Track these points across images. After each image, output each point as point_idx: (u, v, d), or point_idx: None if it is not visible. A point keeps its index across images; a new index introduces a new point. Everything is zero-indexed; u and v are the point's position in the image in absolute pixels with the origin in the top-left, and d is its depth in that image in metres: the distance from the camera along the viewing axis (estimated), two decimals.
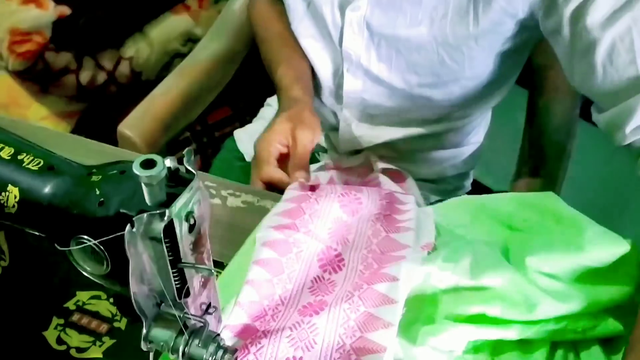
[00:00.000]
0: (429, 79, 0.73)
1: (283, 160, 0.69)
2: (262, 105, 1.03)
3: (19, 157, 0.42)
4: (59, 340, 0.54)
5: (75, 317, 0.56)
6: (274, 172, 0.67)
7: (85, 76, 1.35)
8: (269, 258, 0.57)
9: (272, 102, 1.00)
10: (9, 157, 0.42)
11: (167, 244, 0.37)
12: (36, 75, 1.31)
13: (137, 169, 0.34)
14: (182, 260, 0.38)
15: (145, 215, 0.35)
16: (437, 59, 0.70)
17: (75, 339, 0.54)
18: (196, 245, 0.40)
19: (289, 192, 0.62)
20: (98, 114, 1.45)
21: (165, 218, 0.35)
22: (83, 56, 1.33)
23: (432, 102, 0.76)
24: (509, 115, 1.12)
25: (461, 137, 0.87)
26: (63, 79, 1.34)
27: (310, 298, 0.53)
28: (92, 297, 0.57)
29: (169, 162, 0.36)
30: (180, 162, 0.38)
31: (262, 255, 0.57)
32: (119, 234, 0.35)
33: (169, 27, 1.43)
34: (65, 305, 0.57)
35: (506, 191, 0.92)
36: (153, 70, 1.43)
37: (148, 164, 0.35)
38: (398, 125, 0.82)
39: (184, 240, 0.38)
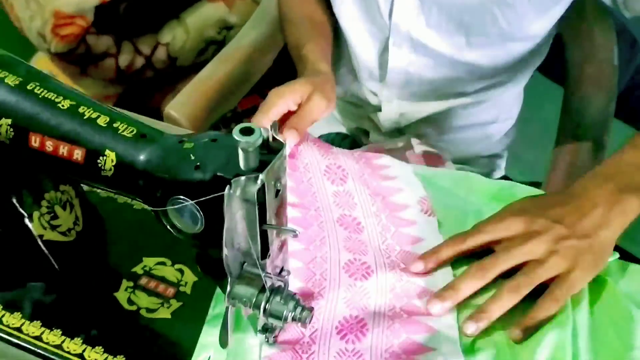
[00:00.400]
0: (478, 40, 0.76)
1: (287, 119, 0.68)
2: None
3: (114, 125, 0.45)
4: (130, 301, 0.58)
5: (143, 281, 0.59)
6: (264, 124, 0.65)
7: (123, 60, 1.38)
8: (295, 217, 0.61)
9: None
10: (106, 125, 0.45)
11: (258, 207, 0.40)
12: (77, 58, 1.35)
13: (237, 135, 0.38)
14: (268, 222, 0.42)
15: (242, 178, 0.39)
16: (490, 18, 0.73)
17: (144, 300, 0.58)
18: (279, 210, 0.43)
19: None
20: (134, 97, 1.48)
21: (259, 182, 0.39)
22: (122, 41, 1.37)
23: (475, 68, 0.80)
24: (538, 109, 1.15)
25: (497, 111, 0.90)
26: (102, 62, 1.38)
27: (349, 255, 0.58)
28: (158, 263, 0.61)
29: (264, 132, 0.40)
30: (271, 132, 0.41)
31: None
32: (218, 194, 0.39)
33: (205, 14, 1.46)
34: (133, 270, 0.60)
35: (538, 183, 0.95)
36: (188, 56, 1.47)
37: (246, 131, 0.38)
38: (440, 99, 0.86)
39: (271, 204, 0.41)
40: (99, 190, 0.68)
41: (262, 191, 0.40)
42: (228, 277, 0.43)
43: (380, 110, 0.89)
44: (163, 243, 0.62)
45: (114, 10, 1.34)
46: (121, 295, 0.58)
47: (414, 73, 0.83)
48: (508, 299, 0.53)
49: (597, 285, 0.57)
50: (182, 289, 0.59)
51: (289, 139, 0.64)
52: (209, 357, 0.52)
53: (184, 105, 0.98)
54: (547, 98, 1.12)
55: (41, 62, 1.53)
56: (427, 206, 0.64)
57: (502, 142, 0.96)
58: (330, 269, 0.57)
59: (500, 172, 0.99)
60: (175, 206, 0.41)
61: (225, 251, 0.41)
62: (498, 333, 0.54)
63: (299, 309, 0.44)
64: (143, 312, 0.57)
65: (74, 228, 0.60)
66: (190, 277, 0.60)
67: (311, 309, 0.45)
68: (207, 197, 0.39)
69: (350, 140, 0.98)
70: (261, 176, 0.39)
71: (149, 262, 0.61)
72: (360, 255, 0.58)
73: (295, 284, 0.56)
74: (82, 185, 0.66)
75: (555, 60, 0.99)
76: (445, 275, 0.57)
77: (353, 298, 0.55)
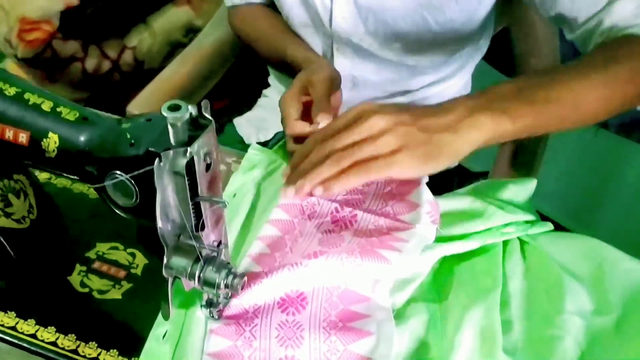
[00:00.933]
0: (414, 44, 0.80)
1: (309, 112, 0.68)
2: (260, 96, 1.09)
3: (58, 110, 0.48)
4: (82, 284, 0.60)
5: (96, 265, 0.62)
6: (295, 126, 0.66)
7: (90, 64, 1.40)
8: (281, 219, 0.63)
9: (268, 93, 1.06)
10: (49, 110, 0.48)
11: (188, 179, 0.44)
12: (44, 63, 1.37)
13: (164, 111, 0.41)
14: (200, 195, 0.45)
15: (171, 151, 0.42)
16: (422, 22, 0.77)
17: (96, 282, 0.61)
18: (211, 184, 0.46)
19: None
20: (102, 101, 1.50)
21: (187, 154, 0.42)
22: (89, 45, 1.39)
23: (417, 69, 0.84)
24: None
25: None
26: (70, 67, 1.40)
27: (317, 247, 0.59)
28: (111, 248, 0.64)
29: (190, 108, 0.43)
30: (199, 111, 0.45)
31: (275, 216, 0.63)
32: (149, 168, 0.42)
33: (171, 18, 1.49)
34: (86, 255, 0.63)
35: (487, 173, 0.99)
36: (155, 59, 1.49)
37: (174, 108, 0.41)
38: (387, 98, 0.89)
39: (202, 177, 0.44)
40: (55, 182, 0.71)
41: (192, 165, 0.43)
42: (165, 251, 0.46)
43: None
44: (116, 229, 0.65)
45: (80, 15, 1.37)
46: (74, 279, 0.61)
47: (359, 76, 0.86)
48: (328, 167, 0.54)
49: (531, 255, 0.61)
50: (133, 271, 0.62)
51: (322, 121, 0.63)
52: (166, 331, 0.55)
53: (145, 104, 1.01)
54: None
55: (10, 68, 1.55)
56: (435, 210, 0.61)
57: None
58: (291, 257, 0.59)
59: (454, 164, 1.03)
60: (112, 181, 0.44)
61: (159, 224, 0.44)
62: (431, 298, 0.58)
63: (230, 277, 0.47)
64: (95, 293, 0.60)
65: (28, 216, 0.62)
66: (141, 259, 0.63)
67: (242, 276, 0.48)
68: (139, 171, 0.42)
69: None
70: (189, 149, 0.42)
71: (102, 247, 0.64)
72: (328, 248, 0.59)
73: (253, 267, 0.58)
74: (37, 175, 0.69)
75: (504, 53, 1.04)
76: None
77: (296, 274, 0.57)
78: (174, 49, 1.50)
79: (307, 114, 0.67)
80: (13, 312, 0.58)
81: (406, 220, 0.61)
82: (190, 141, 0.43)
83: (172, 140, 0.43)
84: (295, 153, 0.61)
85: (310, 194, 0.55)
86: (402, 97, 0.89)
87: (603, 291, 0.58)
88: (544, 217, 0.66)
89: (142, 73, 1.48)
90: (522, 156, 0.94)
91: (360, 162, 0.54)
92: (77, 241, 0.64)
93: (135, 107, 1.00)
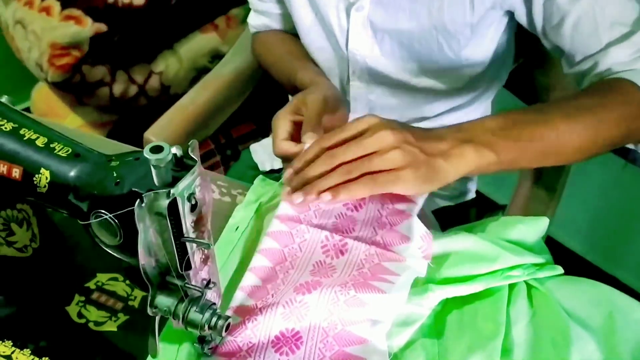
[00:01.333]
0: (430, 66, 0.79)
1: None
2: None
3: (51, 145, 0.49)
4: (79, 315, 0.61)
5: (94, 295, 0.62)
6: (282, 145, 0.68)
7: (118, 88, 1.44)
8: (272, 248, 0.62)
9: None
10: (43, 145, 0.49)
11: (172, 220, 0.43)
12: (73, 87, 1.41)
13: (147, 153, 0.41)
14: (185, 236, 0.45)
15: (152, 193, 0.42)
16: (437, 46, 0.76)
17: (93, 314, 0.61)
18: (197, 224, 0.46)
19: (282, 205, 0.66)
20: (129, 124, 1.54)
21: (170, 195, 0.42)
22: (117, 70, 1.43)
23: (433, 93, 0.83)
24: None
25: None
26: (97, 91, 1.44)
27: (309, 278, 0.58)
28: (111, 279, 0.64)
29: (175, 150, 0.43)
30: (185, 152, 0.45)
31: (265, 245, 0.62)
32: (130, 208, 0.42)
33: (198, 44, 1.52)
34: (86, 285, 0.63)
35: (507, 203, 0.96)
36: (181, 84, 1.52)
37: (157, 149, 0.41)
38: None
39: (186, 217, 0.44)
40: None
41: (175, 205, 0.43)
42: (149, 289, 0.46)
43: None
44: (117, 260, 0.65)
45: (109, 41, 1.41)
46: (72, 309, 0.61)
47: (375, 101, 0.86)
48: (338, 176, 0.58)
49: (538, 300, 0.59)
50: (130, 302, 0.62)
51: (309, 140, 0.65)
52: None
53: (163, 130, 1.02)
54: None
55: (42, 91, 1.60)
56: (428, 244, 0.61)
57: None
58: (284, 290, 0.58)
59: (471, 195, 1.01)
60: (96, 220, 0.44)
61: (142, 262, 0.44)
62: (430, 343, 0.56)
63: (214, 318, 0.47)
64: (91, 324, 0.60)
65: (30, 245, 0.63)
66: (139, 292, 0.63)
67: (227, 318, 0.47)
68: (121, 211, 0.42)
69: None
70: (172, 190, 0.42)
71: (102, 277, 0.64)
72: (320, 278, 0.59)
73: (246, 302, 0.58)
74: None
75: (526, 82, 1.02)
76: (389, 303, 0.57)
77: (292, 312, 0.56)
78: (199, 74, 1.52)
79: (298, 134, 0.69)
80: (10, 342, 0.58)
81: (397, 252, 0.60)
82: (174, 182, 0.43)
83: (155, 181, 0.42)
84: (297, 158, 0.62)
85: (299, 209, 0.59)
86: (419, 123, 0.88)
87: (613, 342, 0.55)
88: (567, 251, 0.63)
89: (168, 98, 1.51)
90: (541, 191, 0.91)
91: (368, 174, 0.58)
92: (79, 271, 0.65)
93: (152, 134, 1.01)
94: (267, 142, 1.06)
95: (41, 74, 1.41)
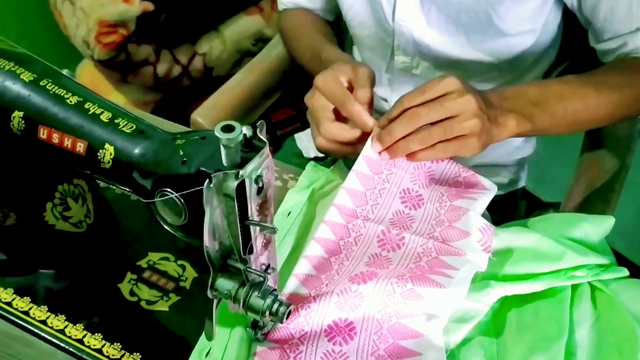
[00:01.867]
0: (477, 38, 0.77)
1: (340, 115, 0.67)
2: None
3: (116, 121, 0.48)
4: (132, 293, 0.60)
5: (146, 274, 0.62)
6: (332, 128, 0.65)
7: (161, 68, 1.44)
8: (327, 239, 0.61)
9: None
10: (108, 120, 0.48)
11: (238, 202, 0.42)
12: (118, 65, 1.41)
13: (218, 132, 0.40)
14: (250, 219, 0.43)
15: (221, 173, 0.41)
16: (485, 16, 0.75)
17: (145, 292, 0.60)
18: (262, 208, 0.45)
19: (359, 163, 0.64)
20: (171, 104, 1.54)
21: (239, 177, 0.41)
22: (161, 50, 1.43)
23: (480, 66, 0.80)
24: None
25: None
26: (142, 70, 1.44)
27: (364, 269, 0.57)
28: (162, 259, 0.64)
29: (245, 130, 0.41)
30: (254, 132, 0.43)
31: (321, 234, 0.61)
32: (198, 188, 0.41)
33: (242, 27, 1.50)
34: (138, 263, 0.63)
35: (558, 204, 0.93)
36: (224, 66, 1.51)
37: (228, 129, 0.40)
38: None
39: (253, 200, 0.43)
40: (114, 187, 0.72)
41: (242, 187, 0.42)
42: (211, 271, 0.45)
43: None
44: (169, 240, 0.65)
45: (155, 20, 1.40)
46: (124, 287, 0.61)
47: (420, 75, 0.84)
48: (419, 143, 0.60)
49: (602, 303, 0.57)
50: (182, 283, 0.61)
51: (365, 96, 0.65)
52: (209, 349, 0.54)
53: (209, 112, 1.02)
54: None
55: (87, 68, 1.61)
56: (488, 237, 0.59)
57: (523, 149, 0.94)
58: (339, 280, 0.57)
59: (521, 183, 0.98)
60: (161, 198, 0.43)
61: (206, 244, 0.43)
62: (488, 342, 0.54)
63: (276, 304, 0.46)
64: (143, 303, 0.60)
65: (85, 220, 0.63)
66: (191, 273, 0.62)
67: (288, 305, 0.46)
68: (189, 191, 0.41)
69: None
70: (241, 172, 0.41)
71: (154, 256, 0.64)
72: (375, 269, 0.58)
73: (299, 289, 0.57)
74: (97, 181, 0.70)
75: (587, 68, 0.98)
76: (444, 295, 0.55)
77: (346, 302, 0.55)
78: (242, 57, 1.51)
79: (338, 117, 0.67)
80: (63, 316, 0.58)
81: (456, 247, 0.58)
82: (242, 163, 0.41)
83: (224, 162, 0.41)
84: (384, 116, 0.63)
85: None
86: None
87: None
88: (620, 257, 0.61)
89: (210, 79, 1.50)
90: (598, 191, 0.88)
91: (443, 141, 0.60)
92: (130, 249, 0.65)
93: (200, 115, 1.01)
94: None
95: (87, 51, 1.41)
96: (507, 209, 0.93)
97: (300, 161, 1.00)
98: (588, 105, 0.68)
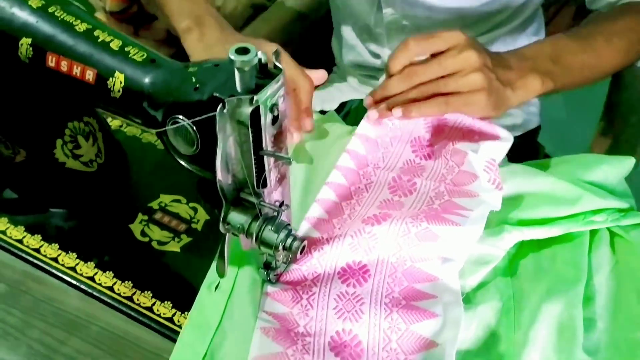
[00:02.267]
0: None
1: None
2: (330, 72, 1.06)
3: (126, 49, 0.46)
4: (143, 233, 0.60)
5: (157, 216, 0.61)
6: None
7: None
8: (339, 183, 0.60)
9: (335, 69, 1.03)
10: (118, 48, 0.46)
11: (252, 131, 0.41)
12: (130, 18, 1.39)
13: (232, 54, 0.38)
14: (264, 149, 0.42)
15: (235, 98, 0.39)
16: None
17: (157, 233, 0.60)
18: (277, 139, 0.43)
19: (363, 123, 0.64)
20: (183, 59, 1.51)
21: (253, 102, 0.39)
22: None
23: (470, 11, 0.77)
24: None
25: (515, 39, 0.85)
26: (154, 24, 1.41)
27: (377, 211, 0.55)
28: (174, 200, 0.63)
29: (260, 55, 0.40)
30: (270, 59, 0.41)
31: (333, 179, 0.60)
32: (211, 114, 0.39)
33: None
34: (149, 205, 0.62)
35: None
36: (237, 21, 1.47)
37: (242, 51, 0.38)
38: None
39: (267, 129, 0.41)
40: (125, 130, 0.70)
41: (257, 115, 0.40)
42: (223, 204, 0.44)
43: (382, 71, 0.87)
44: (181, 182, 0.64)
45: None
46: (136, 227, 0.60)
47: (410, 26, 0.81)
48: (413, 95, 0.59)
49: (621, 249, 0.55)
50: (193, 225, 0.60)
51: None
52: (218, 282, 0.53)
53: None
54: None
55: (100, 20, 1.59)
56: (495, 174, 0.58)
57: None
58: (352, 223, 0.56)
59: (535, 123, 0.94)
60: (173, 126, 0.42)
61: (218, 175, 0.41)
62: (504, 284, 0.53)
63: (290, 239, 0.44)
64: (154, 244, 0.59)
65: (96, 160, 0.62)
66: (203, 215, 0.61)
67: (302, 240, 0.45)
68: (201, 117, 0.40)
69: None
70: (256, 97, 0.39)
71: (165, 198, 0.63)
72: (387, 210, 0.56)
73: (312, 233, 0.56)
74: (108, 122, 0.69)
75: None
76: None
77: (359, 244, 0.54)
78: (256, 11, 1.48)
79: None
80: (74, 254, 0.58)
81: (469, 189, 0.57)
82: (257, 89, 0.40)
83: (238, 87, 0.40)
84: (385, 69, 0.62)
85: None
86: None
87: None
88: None
89: None
90: (619, 149, 0.85)
91: (442, 95, 0.59)
92: (141, 190, 0.64)
93: None
94: (319, 92, 1.02)
95: (99, 3, 1.39)
96: (526, 154, 0.91)
97: None
98: (600, 56, 0.68)
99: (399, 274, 0.53)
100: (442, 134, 0.63)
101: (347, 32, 0.91)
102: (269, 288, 0.53)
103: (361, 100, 0.94)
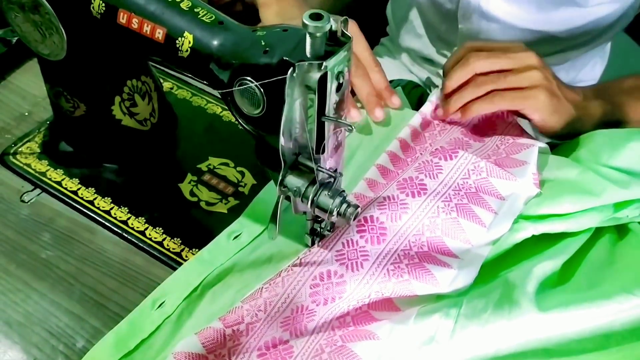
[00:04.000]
0: (548, 6, 0.73)
1: None
2: (377, 43, 1.05)
3: (195, 10, 0.47)
4: (192, 193, 0.61)
5: (206, 177, 0.63)
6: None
7: None
8: (387, 168, 0.61)
9: (385, 41, 1.02)
10: (187, 9, 0.47)
11: (318, 96, 0.42)
12: None
13: (306, 19, 0.39)
14: (327, 115, 0.43)
15: (306, 63, 0.40)
16: None
17: (205, 194, 0.61)
18: (339, 107, 0.44)
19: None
20: None
21: (322, 68, 0.40)
22: None
23: (547, 34, 0.76)
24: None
25: (576, 72, 0.85)
26: None
27: (413, 174, 0.56)
28: (222, 164, 0.64)
29: (332, 21, 0.40)
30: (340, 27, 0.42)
31: (381, 161, 0.61)
32: (281, 77, 0.40)
33: None
34: (198, 166, 0.64)
35: None
36: None
37: (316, 17, 0.39)
38: None
39: (332, 96, 0.42)
40: (176, 92, 0.72)
41: (324, 81, 0.41)
42: (282, 167, 0.45)
43: None
44: (229, 146, 0.66)
45: None
46: (185, 187, 0.62)
47: (484, 40, 0.80)
48: (470, 92, 0.60)
49: (623, 232, 0.55)
50: (240, 189, 0.62)
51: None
52: (239, 234, 0.56)
53: None
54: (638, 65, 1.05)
55: None
56: (537, 178, 0.58)
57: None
58: (388, 187, 0.57)
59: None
60: (240, 87, 0.43)
61: (282, 138, 0.43)
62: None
63: (344, 205, 0.46)
64: (203, 204, 0.61)
65: (150, 119, 0.64)
66: (249, 179, 0.63)
67: (356, 207, 0.46)
68: (271, 79, 0.41)
69: (421, 91, 0.97)
70: (325, 63, 0.40)
71: (214, 161, 0.64)
72: (424, 176, 0.57)
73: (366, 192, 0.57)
74: (161, 84, 0.70)
75: None
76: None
77: (389, 207, 0.54)
78: None
79: None
80: (126, 208, 0.60)
81: (509, 171, 0.57)
82: (326, 56, 0.41)
83: (307, 52, 0.41)
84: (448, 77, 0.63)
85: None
86: None
87: None
88: None
89: None
90: None
91: (499, 90, 0.58)
92: (191, 152, 0.65)
93: None
94: None
95: None
96: None
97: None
98: None
99: (412, 252, 0.52)
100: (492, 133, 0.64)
101: (417, 23, 0.88)
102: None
103: (410, 82, 0.95)
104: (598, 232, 0.55)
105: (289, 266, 0.51)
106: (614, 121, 0.63)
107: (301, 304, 0.48)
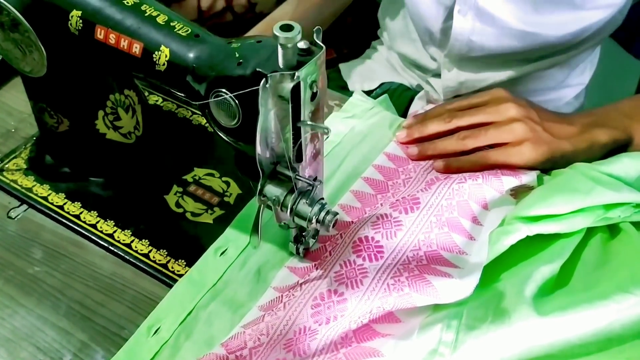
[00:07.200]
0: (546, 9, 0.73)
1: None
2: (368, 48, 1.06)
3: (172, 24, 0.48)
4: (177, 205, 0.62)
5: (191, 188, 0.63)
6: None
7: (206, 1, 1.42)
8: (376, 179, 0.61)
9: (377, 45, 1.03)
10: (164, 23, 0.48)
11: (292, 106, 0.42)
12: None
13: (276, 31, 0.39)
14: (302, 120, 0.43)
15: (278, 74, 0.41)
16: None
17: (191, 205, 0.62)
18: (314, 114, 0.44)
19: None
20: None
21: (294, 78, 0.40)
22: None
23: (541, 38, 0.76)
24: (618, 87, 1.08)
25: (565, 76, 0.85)
26: (185, 2, 1.43)
27: (407, 193, 0.57)
28: (207, 174, 0.65)
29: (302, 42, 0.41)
30: (311, 38, 0.43)
31: (368, 174, 0.61)
32: (254, 88, 0.41)
33: None
34: (184, 177, 0.64)
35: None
36: (267, 3, 1.48)
37: (287, 28, 0.40)
38: (502, 67, 0.83)
39: (306, 105, 0.43)
40: (162, 104, 0.72)
41: (297, 91, 0.42)
42: (260, 177, 0.45)
43: (439, 76, 0.87)
44: (214, 157, 0.66)
45: None
46: (170, 199, 0.62)
47: (476, 42, 0.79)
48: (453, 143, 0.60)
49: (615, 231, 0.55)
50: (226, 199, 0.62)
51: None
52: (225, 249, 0.56)
53: None
54: (627, 74, 1.06)
55: None
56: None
57: (571, 105, 0.92)
58: (382, 206, 0.57)
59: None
60: (215, 99, 0.43)
61: (258, 148, 0.43)
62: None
63: (323, 212, 0.46)
64: (188, 215, 0.61)
65: (134, 132, 0.64)
66: (235, 189, 0.63)
67: (335, 214, 0.46)
68: (245, 91, 0.41)
69: (412, 94, 0.97)
70: (297, 73, 0.40)
71: (199, 172, 0.65)
72: (416, 193, 0.57)
73: (342, 217, 0.57)
74: (147, 92, 0.71)
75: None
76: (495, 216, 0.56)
77: (382, 225, 0.55)
78: None
79: None
80: (112, 221, 0.60)
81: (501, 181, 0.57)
82: (298, 66, 0.41)
83: (280, 63, 0.41)
84: (423, 113, 0.65)
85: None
86: (519, 67, 0.82)
87: None
88: None
89: (254, 16, 1.48)
90: None
91: (481, 150, 0.59)
92: (177, 163, 0.66)
93: None
94: (357, 62, 1.03)
95: None
96: None
97: (345, 92, 0.99)
98: None
99: (412, 266, 0.53)
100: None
101: (410, 28, 0.88)
102: (289, 262, 0.55)
103: (401, 85, 0.96)
104: (589, 232, 0.55)
105: (289, 291, 0.51)
106: (620, 146, 0.63)
107: (303, 325, 0.48)
